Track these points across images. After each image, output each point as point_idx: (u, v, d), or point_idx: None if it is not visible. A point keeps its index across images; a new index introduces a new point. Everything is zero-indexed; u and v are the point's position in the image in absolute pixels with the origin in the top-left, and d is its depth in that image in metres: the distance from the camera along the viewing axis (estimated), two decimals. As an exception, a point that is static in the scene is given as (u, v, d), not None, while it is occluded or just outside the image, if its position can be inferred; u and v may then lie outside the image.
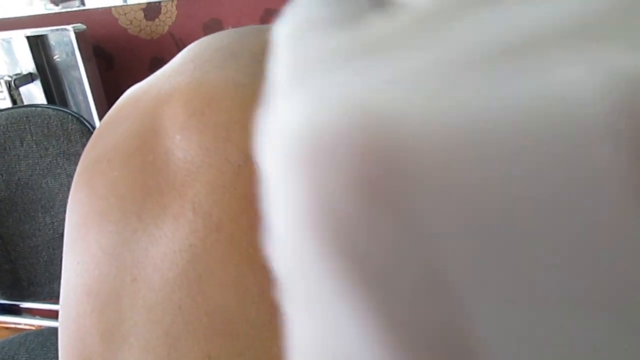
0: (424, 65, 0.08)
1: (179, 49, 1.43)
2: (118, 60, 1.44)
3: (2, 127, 1.14)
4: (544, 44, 0.08)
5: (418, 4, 0.09)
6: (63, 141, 1.15)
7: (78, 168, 0.27)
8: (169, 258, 0.22)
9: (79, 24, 1.33)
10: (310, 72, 0.09)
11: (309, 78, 0.09)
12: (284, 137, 0.08)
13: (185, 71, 0.26)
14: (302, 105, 0.08)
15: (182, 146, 0.23)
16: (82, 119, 1.15)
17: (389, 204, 0.07)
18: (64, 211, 1.15)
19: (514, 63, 0.08)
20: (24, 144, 1.16)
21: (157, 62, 1.40)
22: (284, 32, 0.11)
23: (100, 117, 1.38)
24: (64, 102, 1.42)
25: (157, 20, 1.37)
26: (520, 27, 0.08)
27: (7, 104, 1.36)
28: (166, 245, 0.22)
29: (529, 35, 0.08)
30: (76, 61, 1.35)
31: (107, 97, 1.41)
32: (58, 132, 1.14)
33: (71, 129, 1.14)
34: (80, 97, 1.41)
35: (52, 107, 1.16)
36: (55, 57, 1.39)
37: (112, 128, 0.27)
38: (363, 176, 0.07)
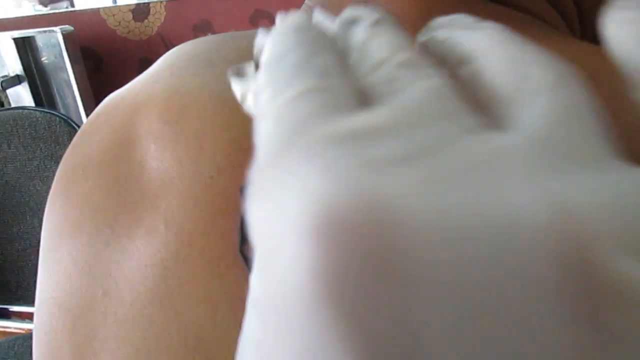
0: (425, 172, 0.10)
1: (168, 50, 1.42)
2: (107, 61, 1.43)
3: (-12, 129, 1.13)
4: (505, 166, 0.10)
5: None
6: (51, 144, 1.14)
7: (56, 175, 0.27)
8: (140, 272, 0.21)
9: (67, 26, 1.32)
10: (326, 147, 0.10)
11: (326, 153, 0.10)
12: (301, 207, 0.09)
13: (161, 79, 0.25)
14: (321, 183, 0.09)
15: (156, 156, 0.23)
16: (70, 121, 1.14)
17: (386, 282, 0.09)
18: (52, 214, 1.14)
19: (485, 181, 0.09)
20: (12, 147, 1.15)
21: (146, 63, 1.39)
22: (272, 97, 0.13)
23: (89, 119, 1.37)
24: (52, 104, 1.41)
25: (146, 21, 1.36)
26: (489, 149, 0.10)
27: (-5, 106, 1.35)
28: (138, 259, 0.21)
29: (495, 157, 0.10)
30: (64, 63, 1.34)
31: (95, 98, 1.40)
32: (46, 134, 1.13)
33: (59, 131, 1.13)
34: (69, 99, 1.40)
35: (39, 109, 1.15)
36: (43, 59, 1.38)
37: (89, 136, 0.26)
38: (368, 254, 0.09)
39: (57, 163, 1.14)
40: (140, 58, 1.40)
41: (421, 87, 0.12)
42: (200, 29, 1.33)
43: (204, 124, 0.22)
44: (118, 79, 1.42)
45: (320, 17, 0.17)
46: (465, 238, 0.09)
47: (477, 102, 0.12)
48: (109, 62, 1.43)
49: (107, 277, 0.22)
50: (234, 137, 0.22)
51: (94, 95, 1.40)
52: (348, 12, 0.16)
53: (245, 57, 0.24)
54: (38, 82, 1.39)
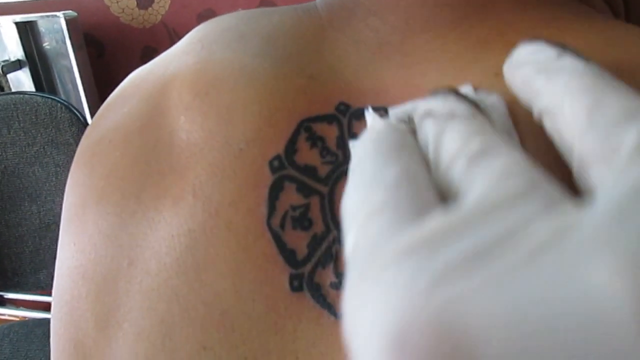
0: (491, 269, 0.10)
1: (172, 39, 1.41)
2: (109, 49, 1.42)
3: (-11, 113, 1.11)
4: (567, 245, 0.10)
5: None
6: (52, 130, 1.13)
7: (78, 149, 0.26)
8: (167, 243, 0.21)
9: (70, 11, 1.31)
10: (397, 263, 0.11)
11: (397, 270, 0.11)
12: (377, 329, 0.10)
13: (192, 51, 0.25)
14: (391, 304, 0.10)
15: (185, 127, 0.22)
16: (71, 107, 1.13)
17: None
18: (51, 201, 1.13)
19: (548, 263, 0.09)
20: (11, 132, 1.13)
21: (150, 52, 1.38)
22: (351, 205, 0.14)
23: (91, 107, 1.36)
24: (53, 91, 1.40)
25: (150, 9, 1.35)
26: (562, 228, 0.10)
27: (-5, 90, 1.33)
28: (164, 230, 0.21)
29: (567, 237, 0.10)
30: (66, 49, 1.32)
31: (97, 86, 1.39)
32: (47, 120, 1.12)
33: (60, 117, 1.12)
34: (70, 86, 1.39)
35: (41, 94, 1.14)
36: (44, 44, 1.37)
37: (114, 109, 0.26)
38: None
39: (58, 150, 1.13)
40: (143, 46, 1.39)
41: (493, 174, 0.12)
42: (205, 18, 1.32)
43: (234, 97, 0.22)
44: (120, 66, 1.41)
45: (400, 113, 0.18)
46: (537, 337, 0.09)
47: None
48: (112, 50, 1.42)
49: (133, 247, 0.21)
50: (264, 111, 0.22)
51: (95, 83, 1.39)
52: (423, 105, 0.16)
53: (277, 32, 0.24)
54: (39, 68, 1.38)
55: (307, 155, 0.21)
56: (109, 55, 1.42)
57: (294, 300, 0.19)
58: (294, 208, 0.20)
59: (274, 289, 0.20)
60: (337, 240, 0.20)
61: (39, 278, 1.19)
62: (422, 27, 0.22)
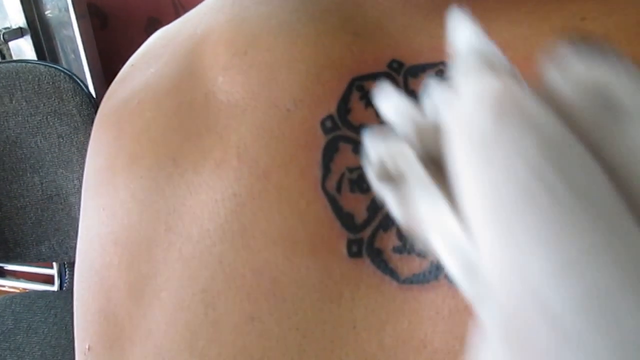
0: None
1: (177, 10, 1.38)
2: (113, 19, 1.39)
3: (-9, 81, 1.09)
4: None
5: None
6: (55, 100, 1.11)
7: (100, 111, 0.25)
8: (209, 207, 0.20)
9: (74, -21, 1.28)
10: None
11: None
12: None
13: (223, 7, 0.23)
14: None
15: (224, 88, 0.21)
16: (75, 77, 1.11)
17: None
18: (54, 172, 1.12)
19: None
20: (14, 101, 1.11)
21: (154, 23, 1.36)
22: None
23: (94, 77, 1.34)
24: (55, 60, 1.38)
25: (155, -21, 1.32)
26: None
27: (-4, 58, 1.31)
28: (206, 194, 0.20)
29: None
30: (69, 18, 1.30)
31: (101, 57, 1.37)
32: (49, 90, 1.10)
33: (63, 87, 1.10)
34: (72, 56, 1.37)
35: (43, 63, 1.12)
36: (47, 13, 1.34)
37: (140, 69, 0.24)
38: None
39: (61, 120, 1.11)
40: (147, 17, 1.36)
41: None
42: (212, -10, 1.30)
43: (275, 55, 0.21)
44: (124, 38, 1.39)
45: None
46: None
47: None
48: (115, 20, 1.40)
49: (171, 212, 0.20)
50: (310, 69, 0.20)
51: (99, 54, 1.37)
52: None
53: None
54: (41, 36, 1.35)
55: (363, 114, 0.20)
56: (113, 26, 1.40)
57: (351, 266, 0.18)
58: (350, 170, 0.19)
59: (329, 255, 0.18)
60: None
61: (41, 250, 1.19)
62: None
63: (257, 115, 0.20)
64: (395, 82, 0.20)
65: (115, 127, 0.23)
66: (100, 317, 0.21)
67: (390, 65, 0.20)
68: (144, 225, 0.21)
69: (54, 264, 1.31)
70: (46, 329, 1.11)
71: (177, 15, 1.36)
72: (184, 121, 0.21)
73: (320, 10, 0.22)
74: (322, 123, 0.19)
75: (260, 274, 0.19)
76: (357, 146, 0.19)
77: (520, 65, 0.18)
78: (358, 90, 0.20)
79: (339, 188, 0.19)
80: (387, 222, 0.18)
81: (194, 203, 0.20)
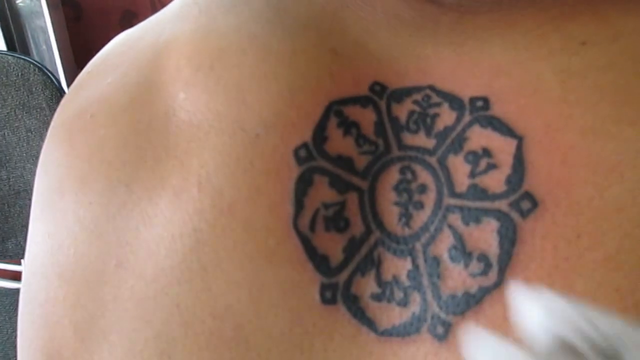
0: None
1: (154, 3, 1.35)
2: (87, 11, 1.36)
3: (-44, 72, 1.06)
4: None
5: None
6: (23, 92, 1.08)
7: (53, 122, 0.22)
8: (166, 243, 0.18)
9: (46, -32, 1.24)
10: None
11: None
12: None
13: (188, 16, 0.21)
14: None
15: (186, 107, 0.19)
16: (45, 69, 1.08)
17: None
18: (22, 167, 1.08)
19: None
20: (-20, 93, 1.08)
21: (130, 17, 1.32)
22: None
23: (66, 71, 1.30)
24: (26, 51, 1.34)
25: (131, -30, 1.29)
26: None
27: (-37, 47, 1.27)
28: (163, 227, 0.18)
29: None
30: (41, 7, 1.27)
31: (74, 50, 1.33)
32: (18, 82, 1.07)
33: (33, 79, 1.07)
34: (44, 47, 1.33)
35: (12, 54, 1.08)
36: (18, 1, 1.30)
37: (97, 78, 0.22)
38: None
39: (29, 114, 1.08)
40: (123, 10, 1.33)
41: None
42: (190, -16, 1.27)
43: (244, 72, 0.19)
44: (99, 30, 1.35)
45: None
46: None
47: None
48: (90, 12, 1.36)
49: (122, 245, 0.18)
50: (283, 91, 0.18)
51: (72, 47, 1.33)
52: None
53: None
54: (11, 26, 1.31)
55: (340, 144, 0.18)
56: (87, 18, 1.36)
57: (325, 314, 0.17)
58: (326, 206, 0.17)
59: (300, 301, 0.17)
60: (381, 243, 0.17)
61: (7, 247, 1.15)
62: (489, 7, 0.18)
63: (222, 140, 0.18)
64: (376, 107, 0.18)
65: (66, 144, 0.21)
66: (43, 356, 0.19)
67: (372, 88, 0.18)
68: (92, 258, 0.19)
69: (22, 260, 1.27)
70: (10, 329, 1.08)
71: (154, 8, 1.33)
72: (140, 142, 0.19)
73: (297, 24, 0.20)
74: (296, 152, 0.18)
75: (222, 319, 0.17)
76: (334, 179, 0.17)
77: (515, 95, 0.17)
78: (336, 116, 0.18)
79: (312, 226, 0.17)
80: (366, 265, 0.17)
81: (148, 237, 0.18)
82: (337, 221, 0.17)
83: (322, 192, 0.17)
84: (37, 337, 0.20)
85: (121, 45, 0.23)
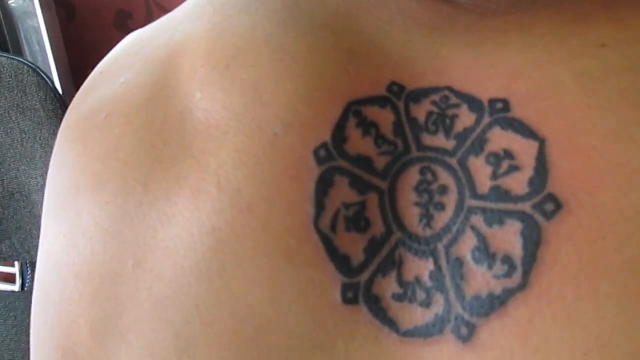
0: None
1: (148, 3, 1.34)
2: (80, 11, 1.35)
3: (-51, 73, 1.05)
4: None
5: None
6: (17, 94, 1.07)
7: (64, 122, 0.22)
8: (185, 243, 0.18)
9: (39, -32, 1.23)
10: None
11: None
12: None
13: (202, 16, 0.21)
14: None
15: (203, 106, 0.19)
16: (39, 70, 1.07)
17: None
18: (16, 169, 1.07)
19: None
20: (-27, 94, 1.07)
21: (123, 16, 1.32)
22: None
23: (60, 71, 1.29)
24: (19, 52, 1.33)
25: (125, -30, 1.28)
26: None
27: (-45, 48, 1.26)
28: (182, 227, 0.18)
29: None
30: (34, 8, 1.26)
31: (67, 50, 1.32)
32: (12, 83, 1.06)
33: (27, 81, 1.06)
34: (37, 48, 1.32)
35: (6, 55, 1.07)
36: (10, 2, 1.29)
37: (109, 78, 0.22)
38: None
39: (24, 115, 1.07)
40: (117, 10, 1.32)
41: None
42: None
43: (261, 72, 0.19)
44: (92, 31, 1.34)
45: None
46: None
47: None
48: (83, 12, 1.35)
49: (140, 245, 0.18)
50: (300, 90, 0.18)
51: (65, 47, 1.32)
52: None
53: None
54: (4, 27, 1.30)
55: (360, 144, 0.18)
56: (80, 18, 1.35)
57: (346, 314, 0.17)
58: (347, 206, 0.17)
59: (321, 301, 0.17)
60: (402, 243, 0.17)
61: (1, 248, 1.14)
62: (506, 9, 0.18)
63: (240, 139, 0.18)
64: (395, 107, 0.18)
65: (79, 144, 0.21)
66: (58, 355, 0.19)
67: (389, 89, 0.18)
68: (109, 258, 0.19)
69: (16, 262, 1.26)
70: (5, 332, 1.07)
71: (148, 8, 1.32)
72: (156, 141, 0.19)
73: (312, 24, 0.20)
74: (315, 152, 0.18)
75: (243, 320, 0.17)
76: (354, 180, 0.17)
77: (535, 97, 0.17)
78: (355, 116, 0.18)
79: (333, 227, 0.17)
80: (387, 265, 0.17)
81: (167, 236, 0.18)
82: (357, 221, 0.17)
83: (343, 193, 0.17)
84: (52, 337, 0.19)
85: (133, 46, 0.23)
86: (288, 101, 0.18)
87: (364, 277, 0.17)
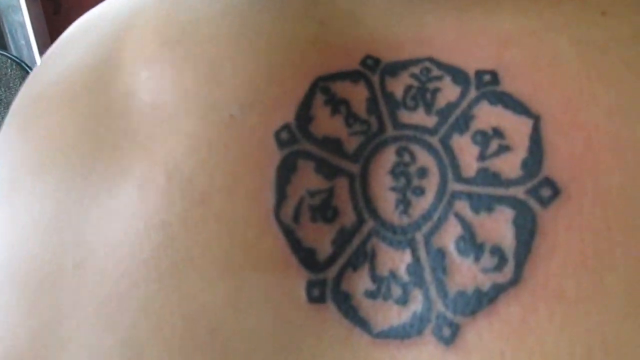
0: None
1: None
2: (65, 4, 1.34)
3: None
4: None
5: None
6: (1, 87, 1.07)
7: (11, 108, 0.21)
8: (130, 238, 0.16)
9: (22, -40, 1.22)
10: None
11: None
12: None
13: None
14: None
15: (150, 86, 0.17)
16: (23, 64, 1.07)
17: None
18: (1, 166, 1.07)
19: None
20: (-44, 89, 1.06)
21: (110, 9, 1.31)
22: None
23: (45, 65, 1.28)
24: (4, 46, 1.33)
25: (111, -38, 1.27)
26: None
27: (-62, 44, 1.25)
28: (126, 221, 0.16)
29: None
30: (19, 2, 1.26)
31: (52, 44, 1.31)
32: (-4, 77, 1.05)
33: (11, 74, 1.06)
34: (22, 42, 1.31)
35: (-11, 50, 1.06)
36: (-6, -4, 1.28)
37: (55, 60, 0.21)
38: None
39: (7, 109, 1.05)
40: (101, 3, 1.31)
41: None
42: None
43: (218, 47, 0.17)
44: (78, 24, 1.33)
45: None
46: None
47: None
48: (68, 6, 1.35)
49: (80, 244, 0.17)
50: (262, 67, 0.17)
51: (51, 41, 1.31)
52: None
53: None
54: (-12, 21, 1.29)
55: (327, 124, 0.16)
56: (65, 12, 1.34)
57: (312, 313, 0.15)
58: (312, 194, 0.16)
59: (285, 300, 0.15)
60: (375, 233, 0.15)
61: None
62: None
63: (191, 122, 0.16)
64: (369, 82, 0.17)
65: (21, 132, 0.19)
66: None
67: (363, 62, 0.17)
68: (47, 259, 0.17)
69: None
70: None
71: (135, 1, 1.31)
72: (99, 128, 0.18)
73: None
74: (277, 134, 0.16)
75: (196, 322, 0.15)
76: (320, 164, 0.16)
77: (529, 68, 0.15)
78: (323, 93, 0.16)
79: (296, 217, 0.16)
80: (358, 258, 0.15)
81: (110, 233, 0.16)
82: (324, 210, 0.16)
83: (308, 179, 0.16)
84: None
85: (83, 23, 0.22)
86: (248, 79, 0.17)
87: (332, 272, 0.15)
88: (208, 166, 0.16)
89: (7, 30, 1.30)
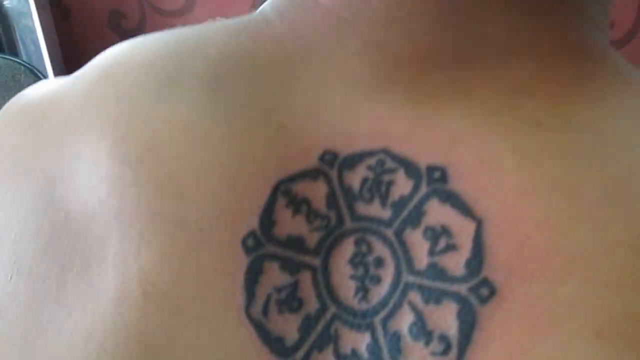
0: None
1: (142, 4, 1.35)
2: (75, 11, 1.36)
3: (-53, 74, 1.06)
4: None
5: None
6: (13, 93, 1.07)
7: None
8: (113, 350, 0.18)
9: (33, -31, 1.24)
10: None
11: None
12: None
13: (105, 102, 0.20)
14: None
15: (111, 203, 0.19)
16: (35, 71, 1.08)
17: None
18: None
19: None
20: (-30, 94, 1.08)
21: (117, 16, 1.33)
22: None
23: (55, 72, 1.30)
24: (14, 52, 1.33)
25: (118, -29, 1.30)
26: None
27: (-49, 49, 1.27)
28: (105, 338, 0.18)
29: None
30: (29, 8, 1.26)
31: (62, 50, 1.34)
32: (9, 83, 1.08)
33: (23, 81, 1.07)
34: (32, 48, 1.33)
35: (2, 56, 1.09)
36: (5, 2, 1.30)
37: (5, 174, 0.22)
38: None
39: (21, 114, 1.08)
40: (110, 10, 1.34)
41: None
42: (178, -16, 1.28)
43: (179, 164, 0.18)
44: (86, 31, 1.36)
45: None
46: None
47: None
48: (77, 13, 1.36)
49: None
50: (224, 177, 0.18)
51: (60, 47, 1.34)
52: None
53: (221, 71, 0.20)
54: None
55: (290, 224, 0.18)
56: (75, 18, 1.36)
57: None
58: (278, 290, 0.17)
59: None
60: (337, 318, 0.17)
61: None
62: (448, 62, 0.18)
63: (161, 240, 0.18)
64: (328, 178, 0.18)
65: None
66: None
67: (322, 158, 0.18)
68: None
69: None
70: None
71: (141, 8, 1.34)
72: (62, 249, 0.19)
73: (235, 102, 0.19)
74: (243, 242, 0.17)
75: None
76: (284, 262, 0.17)
77: (474, 170, 0.17)
78: (284, 196, 0.18)
79: (265, 311, 0.17)
80: (323, 341, 0.17)
81: (88, 348, 0.18)
82: (290, 302, 0.17)
83: (274, 277, 0.17)
84: None
85: (29, 113, 0.23)
86: (211, 191, 0.18)
87: (299, 355, 0.17)
88: (181, 280, 0.17)
89: (17, 37, 1.33)
